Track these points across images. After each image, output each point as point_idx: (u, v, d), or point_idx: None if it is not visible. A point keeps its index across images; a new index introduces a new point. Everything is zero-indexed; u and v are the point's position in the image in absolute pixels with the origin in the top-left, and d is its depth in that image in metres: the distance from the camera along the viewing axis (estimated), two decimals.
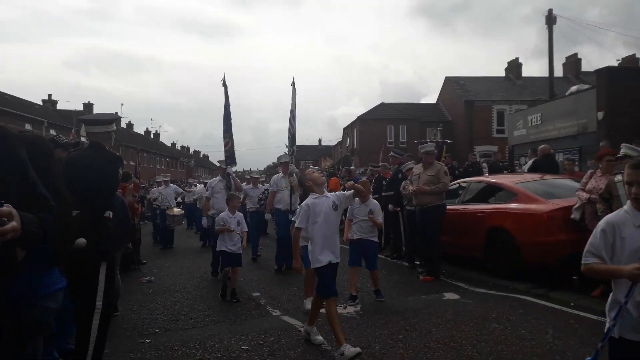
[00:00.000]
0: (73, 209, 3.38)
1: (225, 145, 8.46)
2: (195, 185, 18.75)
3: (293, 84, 8.58)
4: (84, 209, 3.48)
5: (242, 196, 9.45)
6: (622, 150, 6.01)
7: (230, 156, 8.47)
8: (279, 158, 9.25)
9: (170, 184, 14.04)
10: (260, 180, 12.95)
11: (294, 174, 8.19)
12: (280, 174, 8.80)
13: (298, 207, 7.09)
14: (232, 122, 8.68)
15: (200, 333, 5.06)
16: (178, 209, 13.08)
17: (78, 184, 3.50)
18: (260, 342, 4.63)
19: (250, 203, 10.57)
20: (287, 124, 8.84)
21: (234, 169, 8.97)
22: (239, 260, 6.69)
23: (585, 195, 6.01)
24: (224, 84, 8.44)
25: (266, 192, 10.28)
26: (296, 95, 8.63)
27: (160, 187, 13.59)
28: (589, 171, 6.47)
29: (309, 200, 4.53)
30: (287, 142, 8.79)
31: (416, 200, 7.57)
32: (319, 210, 4.41)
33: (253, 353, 4.34)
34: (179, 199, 15.49)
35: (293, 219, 6.71)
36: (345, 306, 5.75)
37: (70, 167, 3.67)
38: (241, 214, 6.93)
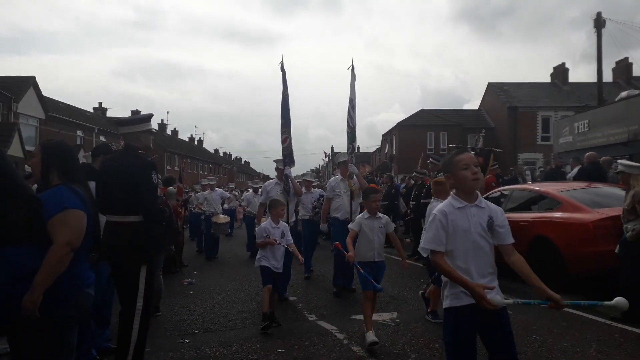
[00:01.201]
0: (104, 214, 3.55)
1: (283, 142, 7.18)
2: (236, 191, 18.76)
3: (352, 68, 7.42)
4: (117, 213, 3.59)
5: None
6: (619, 167, 5.96)
7: (288, 155, 7.17)
8: (336, 157, 7.97)
9: (217, 188, 13.17)
10: (314, 184, 11.49)
11: (354, 176, 7.16)
12: (339, 177, 7.52)
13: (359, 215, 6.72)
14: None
15: (238, 335, 5.16)
16: (224, 216, 12.25)
17: (106, 188, 3.61)
18: (295, 345, 4.69)
19: (302, 210, 8.78)
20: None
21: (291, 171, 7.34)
22: (282, 281, 5.98)
23: None
24: (282, 69, 7.19)
25: (321, 198, 8.92)
26: (355, 82, 7.48)
27: (205, 192, 12.71)
28: None
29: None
30: (346, 138, 7.54)
31: None
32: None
33: (288, 356, 4.40)
34: (226, 205, 14.25)
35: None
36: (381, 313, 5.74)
37: (100, 172, 3.83)
38: (286, 224, 5.92)
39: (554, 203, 7.24)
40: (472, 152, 8.69)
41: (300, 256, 5.68)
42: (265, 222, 5.76)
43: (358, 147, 8.21)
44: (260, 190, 11.79)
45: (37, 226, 1.44)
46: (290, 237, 5.83)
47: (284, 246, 5.63)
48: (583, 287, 6.35)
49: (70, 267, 2.38)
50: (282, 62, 7.19)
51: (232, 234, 15.99)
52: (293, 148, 7.36)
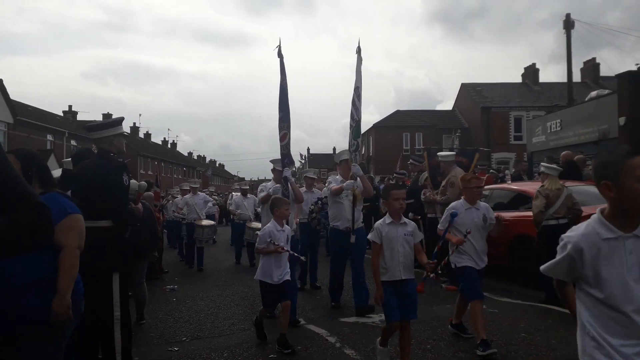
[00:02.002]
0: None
1: (282, 139, 6.01)
2: (216, 195, 18.17)
3: (358, 51, 6.27)
4: (89, 218, 3.49)
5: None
6: (541, 168, 6.89)
7: (287, 154, 6.07)
8: (337, 155, 6.68)
9: (199, 192, 11.92)
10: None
11: (357, 178, 5.98)
12: (338, 178, 6.38)
13: (362, 224, 6.21)
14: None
15: (227, 341, 5.09)
16: (208, 220, 11.32)
17: (82, 194, 3.54)
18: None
19: (300, 212, 7.57)
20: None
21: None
22: (292, 290, 5.09)
23: None
24: (279, 54, 5.95)
25: (319, 202, 8.01)
26: (362, 65, 6.28)
27: (186, 196, 11.47)
28: None
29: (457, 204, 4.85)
30: (349, 133, 6.35)
31: (426, 209, 8.32)
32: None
33: None
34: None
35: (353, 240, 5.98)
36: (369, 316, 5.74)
37: (77, 177, 3.74)
38: (289, 228, 5.23)
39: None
40: (454, 153, 8.86)
41: (302, 257, 5.40)
42: (269, 225, 4.92)
43: (357, 144, 6.30)
44: (247, 194, 11.58)
45: (44, 233, 1.40)
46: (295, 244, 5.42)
47: (292, 254, 4.98)
48: None
49: None
50: (279, 47, 5.93)
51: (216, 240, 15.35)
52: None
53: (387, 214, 3.96)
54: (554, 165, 6.87)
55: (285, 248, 4.78)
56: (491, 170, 13.27)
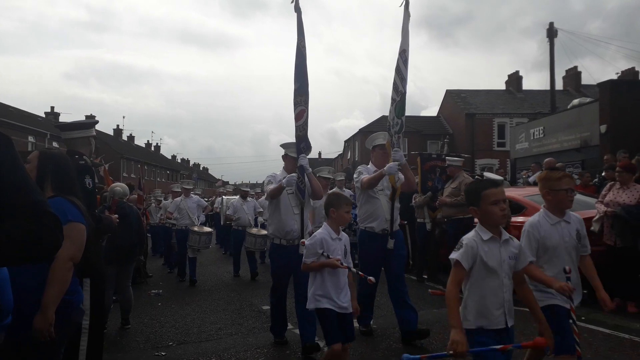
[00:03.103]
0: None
1: (298, 117, 4.75)
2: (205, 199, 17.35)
3: (406, 5, 4.91)
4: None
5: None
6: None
7: (303, 137, 4.74)
8: (370, 139, 5.24)
9: (192, 195, 10.05)
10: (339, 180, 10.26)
11: (397, 170, 4.70)
12: (371, 168, 5.14)
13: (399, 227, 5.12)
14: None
15: (215, 346, 5.06)
16: (203, 227, 9.95)
17: None
18: (276, 355, 4.64)
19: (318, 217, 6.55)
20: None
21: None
22: (352, 327, 3.58)
23: (602, 208, 5.99)
24: (296, 8, 4.77)
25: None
26: (409, 23, 4.98)
27: (178, 199, 9.91)
28: (608, 183, 6.47)
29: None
30: (391, 109, 4.87)
31: (442, 212, 7.97)
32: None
33: None
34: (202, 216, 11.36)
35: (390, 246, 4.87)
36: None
37: None
38: (346, 236, 3.68)
39: (518, 207, 7.48)
40: (435, 156, 8.96)
41: (371, 278, 3.55)
42: (321, 232, 3.55)
43: (402, 124, 4.76)
44: (248, 197, 10.51)
45: (47, 245, 1.35)
46: (350, 258, 3.73)
47: (355, 272, 3.69)
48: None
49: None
50: (296, 1, 4.74)
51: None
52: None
53: (479, 224, 2.69)
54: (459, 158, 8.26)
55: (341, 262, 3.42)
56: (476, 177, 13.39)
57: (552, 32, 20.67)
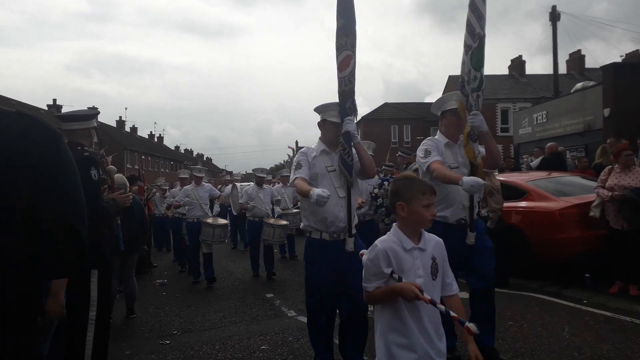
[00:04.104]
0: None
1: (343, 65, 3.59)
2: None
3: None
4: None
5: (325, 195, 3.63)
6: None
7: (349, 94, 3.61)
8: (438, 102, 4.13)
9: (204, 183, 9.03)
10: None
11: (477, 143, 3.74)
12: (440, 139, 3.98)
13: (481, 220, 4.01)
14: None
15: (219, 334, 5.11)
16: (217, 218, 8.99)
17: None
18: (279, 342, 4.69)
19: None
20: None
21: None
22: None
23: (606, 192, 5.94)
24: None
25: (385, 183, 6.22)
26: None
27: (188, 187, 8.71)
28: (607, 167, 6.44)
29: None
30: (464, 61, 3.77)
31: None
32: None
33: (273, 352, 4.40)
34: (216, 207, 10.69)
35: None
36: None
37: None
38: (437, 240, 2.32)
39: (520, 192, 7.47)
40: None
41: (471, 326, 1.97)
42: (387, 239, 2.25)
43: (480, 78, 3.61)
44: (265, 184, 9.32)
45: (69, 262, 1.28)
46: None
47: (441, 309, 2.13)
48: (548, 274, 6.61)
49: None
50: None
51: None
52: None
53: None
54: None
55: (423, 295, 2.05)
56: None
57: (554, 16, 20.46)
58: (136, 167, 40.30)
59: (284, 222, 8.42)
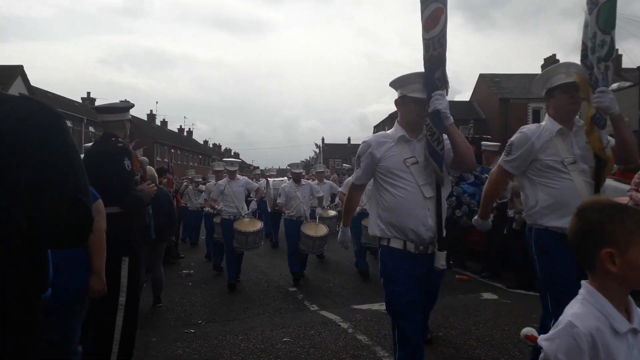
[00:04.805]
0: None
1: (430, 23, 2.80)
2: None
3: None
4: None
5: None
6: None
7: (438, 60, 2.81)
8: (544, 77, 3.14)
9: (239, 176, 8.12)
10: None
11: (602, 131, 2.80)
12: (546, 124, 3.07)
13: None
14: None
15: (242, 325, 5.20)
16: (251, 218, 7.72)
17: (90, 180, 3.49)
18: (301, 334, 4.74)
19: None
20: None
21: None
22: None
23: None
24: None
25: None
26: None
27: (222, 181, 7.89)
28: None
29: None
30: (593, 21, 2.85)
31: None
32: None
33: (295, 345, 4.45)
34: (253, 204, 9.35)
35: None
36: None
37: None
38: None
39: None
40: (499, 143, 8.70)
41: None
42: (586, 312, 1.31)
43: (611, 43, 2.72)
44: (303, 180, 8.23)
45: (77, 232, 1.33)
46: None
47: None
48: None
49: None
50: None
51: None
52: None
53: None
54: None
55: None
56: None
57: None
58: (166, 160, 41.04)
59: (324, 232, 7.39)
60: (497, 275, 7.21)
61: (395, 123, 3.00)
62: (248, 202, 8.59)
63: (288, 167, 14.53)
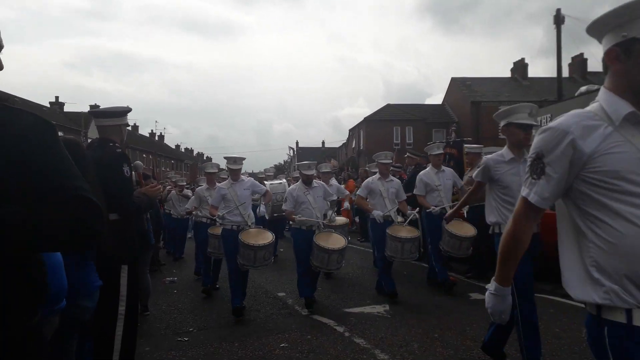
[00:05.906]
0: None
1: None
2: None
3: None
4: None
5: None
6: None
7: None
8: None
9: (244, 177, 6.58)
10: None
11: None
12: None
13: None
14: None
15: (236, 331, 5.13)
16: (259, 228, 6.15)
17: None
18: (298, 339, 4.71)
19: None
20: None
21: None
22: None
23: None
24: None
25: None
26: None
27: (223, 184, 6.39)
28: None
29: None
30: None
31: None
32: None
33: (293, 350, 4.41)
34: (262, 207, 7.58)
35: None
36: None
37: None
38: None
39: None
40: (445, 144, 8.90)
41: None
42: None
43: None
44: (312, 182, 6.41)
45: (84, 233, 1.28)
46: None
47: None
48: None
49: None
50: None
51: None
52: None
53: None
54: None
55: None
56: None
57: (559, 19, 20.45)
58: (150, 167, 40.29)
59: (342, 244, 5.88)
60: (483, 276, 7.31)
61: (611, 96, 1.58)
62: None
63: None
